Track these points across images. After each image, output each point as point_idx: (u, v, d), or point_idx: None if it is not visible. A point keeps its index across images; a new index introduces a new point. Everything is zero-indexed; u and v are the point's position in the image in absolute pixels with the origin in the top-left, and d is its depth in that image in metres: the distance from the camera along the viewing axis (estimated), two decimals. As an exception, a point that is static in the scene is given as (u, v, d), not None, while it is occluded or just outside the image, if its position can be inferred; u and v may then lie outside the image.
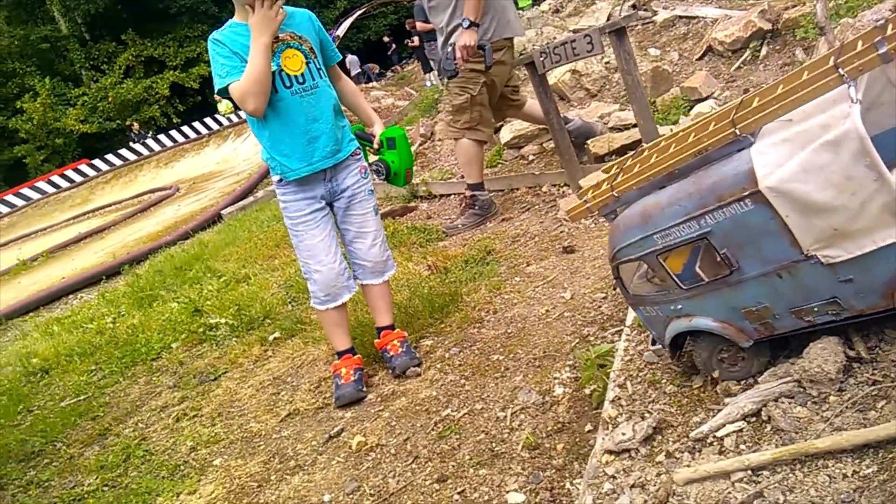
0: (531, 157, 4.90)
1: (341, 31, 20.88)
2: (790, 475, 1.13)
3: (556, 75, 5.27)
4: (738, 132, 1.23)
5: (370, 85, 16.43)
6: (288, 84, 2.23)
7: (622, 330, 1.96)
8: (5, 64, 26.95)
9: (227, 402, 2.69)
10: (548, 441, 1.75)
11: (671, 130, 3.83)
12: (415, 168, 4.80)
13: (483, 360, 2.33)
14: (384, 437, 2.06)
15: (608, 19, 5.92)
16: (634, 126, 4.35)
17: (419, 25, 9.71)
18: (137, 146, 20.01)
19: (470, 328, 2.60)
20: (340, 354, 2.47)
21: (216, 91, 2.22)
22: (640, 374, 1.64)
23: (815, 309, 1.27)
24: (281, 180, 2.35)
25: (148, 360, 3.46)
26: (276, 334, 3.18)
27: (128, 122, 24.97)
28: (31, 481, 2.55)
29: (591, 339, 2.15)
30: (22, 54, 27.45)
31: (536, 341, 2.31)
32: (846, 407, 1.20)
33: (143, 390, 3.12)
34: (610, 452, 1.36)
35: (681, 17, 5.55)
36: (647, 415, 1.43)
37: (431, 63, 11.61)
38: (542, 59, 3.49)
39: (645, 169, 1.38)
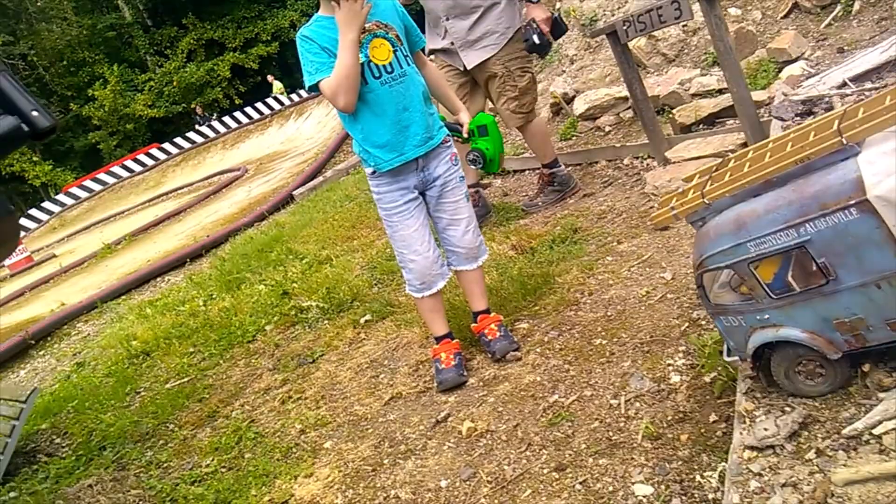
0: (608, 129, 4.77)
1: None
2: (964, 478, 1.07)
3: (632, 41, 5.08)
4: (844, 141, 1.23)
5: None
6: (377, 74, 2.22)
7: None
8: (76, 53, 28.20)
9: (329, 385, 2.76)
10: (669, 431, 1.72)
11: (765, 96, 3.66)
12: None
13: (585, 344, 2.30)
14: (493, 422, 2.07)
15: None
16: (719, 92, 4.17)
17: None
18: (203, 128, 20.56)
19: (566, 311, 2.57)
20: (439, 339, 2.49)
21: (307, 88, 2.23)
22: (770, 363, 1.58)
23: (914, 320, 1.23)
24: (374, 172, 2.35)
25: (244, 342, 3.58)
26: (367, 317, 3.23)
27: (192, 106, 25.72)
28: (151, 461, 2.69)
29: (703, 323, 2.09)
30: (90, 43, 28.62)
31: (641, 325, 2.26)
32: None
33: (245, 372, 3.24)
34: (752, 448, 1.32)
35: (764, -29, 5.23)
36: (787, 409, 1.38)
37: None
38: (625, 27, 3.36)
39: (739, 177, 1.39)
